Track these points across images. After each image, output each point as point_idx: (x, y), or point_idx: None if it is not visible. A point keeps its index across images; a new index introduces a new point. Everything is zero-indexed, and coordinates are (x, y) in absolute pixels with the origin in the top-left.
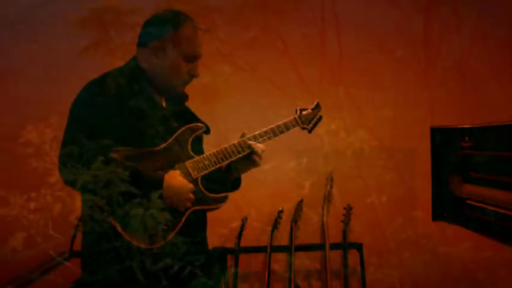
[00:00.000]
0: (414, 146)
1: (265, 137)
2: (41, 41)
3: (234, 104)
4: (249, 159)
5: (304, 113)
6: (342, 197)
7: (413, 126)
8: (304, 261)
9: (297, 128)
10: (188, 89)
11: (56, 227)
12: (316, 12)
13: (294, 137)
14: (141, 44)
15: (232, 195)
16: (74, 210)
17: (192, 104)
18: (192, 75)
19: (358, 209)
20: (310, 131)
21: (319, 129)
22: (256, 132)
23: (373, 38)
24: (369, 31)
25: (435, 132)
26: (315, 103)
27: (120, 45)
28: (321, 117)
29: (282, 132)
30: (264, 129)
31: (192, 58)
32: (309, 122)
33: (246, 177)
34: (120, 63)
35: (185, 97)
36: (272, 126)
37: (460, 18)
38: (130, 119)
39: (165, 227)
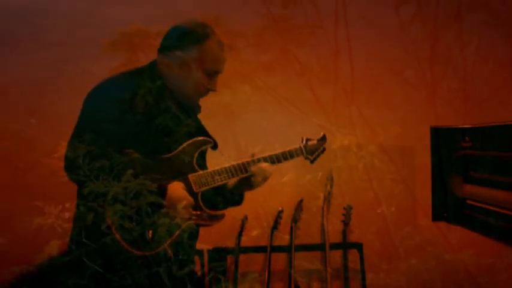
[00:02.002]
0: (421, 161)
1: (269, 161)
2: (75, 63)
3: (253, 121)
4: (248, 180)
5: (309, 143)
6: (354, 207)
7: (420, 142)
8: (304, 261)
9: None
10: (210, 107)
11: (88, 236)
12: (331, 37)
13: None
14: (164, 50)
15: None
16: (105, 219)
17: (213, 121)
18: (209, 89)
19: (369, 218)
20: (312, 162)
21: (333, 145)
22: (262, 156)
23: (383, 60)
24: (380, 54)
25: (435, 132)
26: (321, 135)
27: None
28: (324, 149)
29: (286, 159)
30: (270, 154)
31: (213, 73)
32: (312, 152)
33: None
34: (148, 84)
35: (198, 109)
36: (277, 152)
37: (463, 43)
38: (140, 124)
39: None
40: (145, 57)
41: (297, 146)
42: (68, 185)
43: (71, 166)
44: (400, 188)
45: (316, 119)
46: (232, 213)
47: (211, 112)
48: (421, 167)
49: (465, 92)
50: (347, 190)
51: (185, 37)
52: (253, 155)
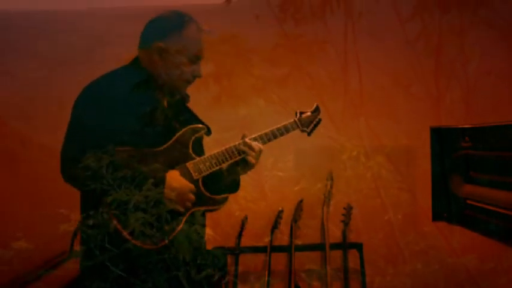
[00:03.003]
0: (426, 171)
1: (265, 139)
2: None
3: None
4: (245, 160)
5: (304, 116)
6: (361, 214)
7: (425, 153)
8: (304, 261)
9: (323, 154)
10: (228, 120)
11: (111, 241)
12: (340, 53)
13: (321, 163)
14: (144, 45)
15: (233, 196)
16: (127, 226)
17: (231, 133)
18: (195, 76)
19: (376, 225)
20: (309, 134)
21: (343, 155)
22: (257, 134)
23: (390, 74)
24: (387, 69)
25: (435, 132)
26: (315, 106)
27: (166, 81)
28: (320, 120)
29: (282, 134)
30: (265, 131)
31: (195, 59)
32: (308, 124)
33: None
34: (168, 98)
35: (186, 98)
36: (272, 128)
37: (466, 58)
38: (131, 120)
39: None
40: (165, 73)
41: (291, 120)
42: (92, 194)
43: (66, 169)
44: (405, 196)
45: (326, 131)
46: (232, 213)
47: (228, 125)
48: (425, 177)
49: (468, 105)
50: (356, 198)
51: (163, 27)
52: (244, 136)
